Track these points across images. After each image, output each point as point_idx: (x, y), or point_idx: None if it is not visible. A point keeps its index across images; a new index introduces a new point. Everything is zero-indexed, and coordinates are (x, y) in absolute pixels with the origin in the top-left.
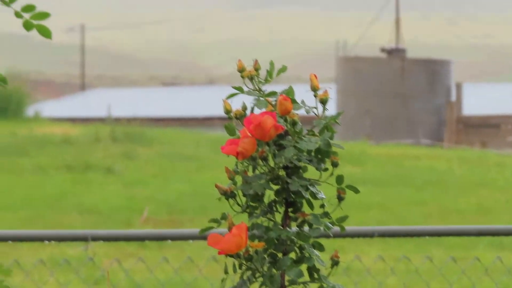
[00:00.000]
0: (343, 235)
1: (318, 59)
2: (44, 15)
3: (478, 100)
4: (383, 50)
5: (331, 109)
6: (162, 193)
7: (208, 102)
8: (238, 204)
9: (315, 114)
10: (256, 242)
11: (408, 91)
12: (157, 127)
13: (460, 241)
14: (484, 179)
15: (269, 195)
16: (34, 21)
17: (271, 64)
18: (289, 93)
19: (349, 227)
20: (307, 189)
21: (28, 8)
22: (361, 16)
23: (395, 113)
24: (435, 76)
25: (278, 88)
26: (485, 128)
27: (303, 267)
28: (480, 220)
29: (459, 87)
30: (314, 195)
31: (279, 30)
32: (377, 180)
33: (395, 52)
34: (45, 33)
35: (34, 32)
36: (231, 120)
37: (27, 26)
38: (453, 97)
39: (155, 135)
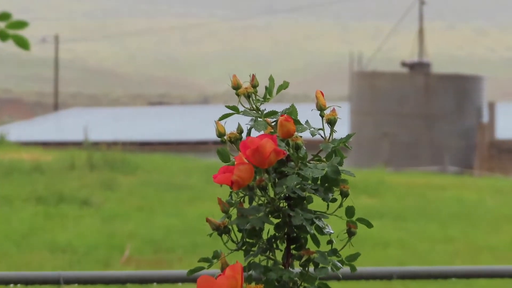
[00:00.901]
0: (355, 276)
1: (329, 74)
2: (22, 25)
3: None
4: (404, 64)
5: (343, 131)
6: (146, 228)
7: (201, 123)
8: (233, 241)
9: (322, 136)
10: (253, 284)
11: (433, 111)
12: (142, 152)
13: (493, 284)
14: None
15: (268, 230)
16: (10, 30)
17: (271, 80)
18: (292, 112)
19: (362, 267)
20: (312, 222)
21: (4, 16)
22: (378, 26)
23: (417, 136)
24: (464, 94)
25: (281, 107)
26: None
27: None
28: None
29: (491, 106)
30: (320, 230)
31: (285, 41)
32: (396, 213)
33: (418, 67)
34: (23, 44)
35: None
36: (225, 145)
37: (3, 36)
38: (485, 118)
39: (140, 161)
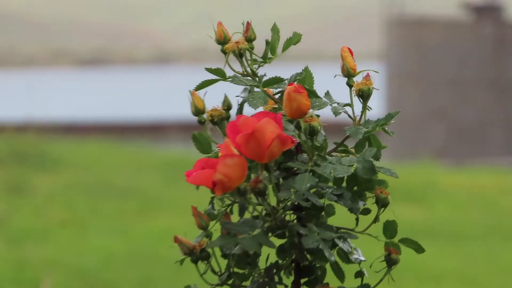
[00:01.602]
0: None
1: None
2: None
3: None
4: (466, 7)
5: (375, 106)
6: (74, 253)
7: (158, 95)
8: (214, 272)
9: (350, 116)
10: None
11: (509, 78)
12: (67, 139)
13: None
14: None
15: (267, 256)
16: None
17: (274, 30)
18: (305, 79)
19: None
20: (333, 245)
21: None
22: None
23: (487, 115)
24: None
25: (287, 71)
26: None
27: None
28: None
29: None
30: (345, 256)
31: None
32: (454, 231)
33: (487, 12)
34: None
35: None
36: (204, 127)
37: None
38: None
39: (64, 153)
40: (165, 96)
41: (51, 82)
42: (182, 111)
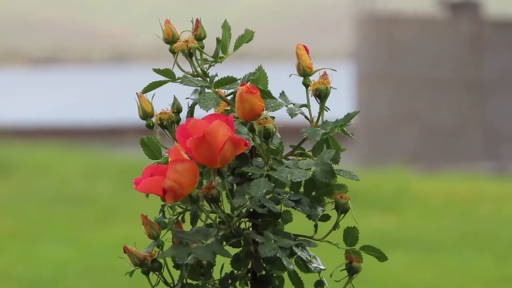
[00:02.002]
0: None
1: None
2: None
3: None
4: (442, 2)
5: (344, 108)
6: (27, 265)
7: (114, 95)
8: (166, 283)
9: (307, 118)
10: None
11: (486, 78)
12: (17, 143)
13: None
14: None
15: (222, 266)
16: None
17: (225, 27)
18: (259, 79)
19: None
20: (291, 253)
21: None
22: None
23: (463, 117)
24: None
25: (241, 71)
26: None
27: None
28: None
29: None
30: (304, 265)
31: None
32: (427, 240)
33: (463, 8)
34: None
35: None
36: (152, 131)
37: None
38: None
39: (14, 158)
40: (121, 97)
41: (0, 82)
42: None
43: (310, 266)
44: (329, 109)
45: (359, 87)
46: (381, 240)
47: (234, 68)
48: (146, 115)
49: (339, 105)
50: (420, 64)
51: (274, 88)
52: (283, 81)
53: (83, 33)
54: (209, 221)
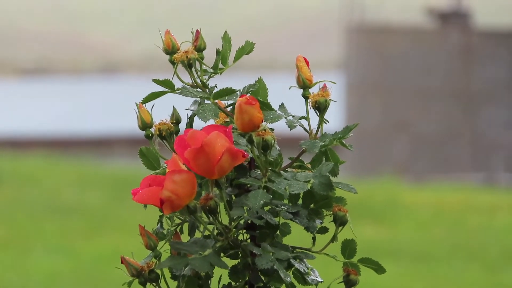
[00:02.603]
0: None
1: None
2: None
3: None
4: (432, 13)
5: (334, 118)
6: (17, 274)
7: (104, 106)
8: None
9: (305, 129)
10: None
11: (476, 88)
12: (7, 153)
13: None
14: None
15: (220, 277)
16: None
17: (225, 39)
18: (258, 91)
19: None
20: (289, 265)
21: None
22: None
23: (451, 127)
24: None
25: (239, 82)
26: None
27: None
28: None
29: None
30: (301, 277)
31: None
32: (418, 251)
33: (453, 18)
34: None
35: None
36: (151, 142)
37: None
38: None
39: (5, 168)
40: (112, 108)
41: None
42: (129, 124)
43: (307, 278)
44: (328, 122)
45: (349, 97)
46: (372, 251)
47: (229, 79)
48: (145, 125)
49: (329, 115)
50: (410, 74)
51: (274, 99)
52: (274, 91)
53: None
54: (206, 232)
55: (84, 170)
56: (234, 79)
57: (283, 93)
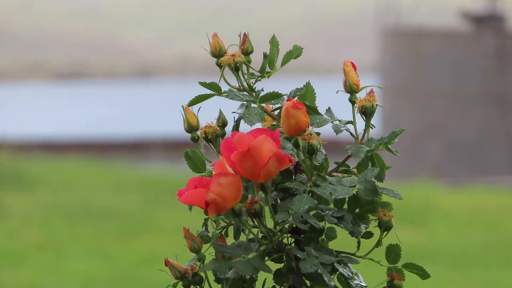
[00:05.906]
0: None
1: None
2: None
3: None
4: (466, 16)
5: (375, 125)
6: (53, 278)
7: (140, 110)
8: None
9: (352, 134)
10: None
11: (511, 91)
12: (44, 158)
13: None
14: None
15: (264, 281)
16: None
17: (273, 43)
18: (306, 95)
19: None
20: (333, 270)
21: None
22: None
23: (487, 131)
24: None
25: (284, 86)
26: None
27: None
28: None
29: None
30: (345, 281)
31: None
32: (454, 253)
33: (488, 21)
34: None
35: None
36: (197, 144)
37: None
38: None
39: (41, 172)
40: (147, 111)
41: (26, 97)
42: (165, 128)
43: (351, 283)
44: (374, 127)
45: (384, 100)
46: (408, 254)
47: (271, 82)
48: (191, 128)
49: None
50: (445, 77)
51: (320, 103)
52: (323, 96)
53: (108, 48)
54: (251, 236)
55: (120, 174)
56: (275, 83)
57: (319, 96)
